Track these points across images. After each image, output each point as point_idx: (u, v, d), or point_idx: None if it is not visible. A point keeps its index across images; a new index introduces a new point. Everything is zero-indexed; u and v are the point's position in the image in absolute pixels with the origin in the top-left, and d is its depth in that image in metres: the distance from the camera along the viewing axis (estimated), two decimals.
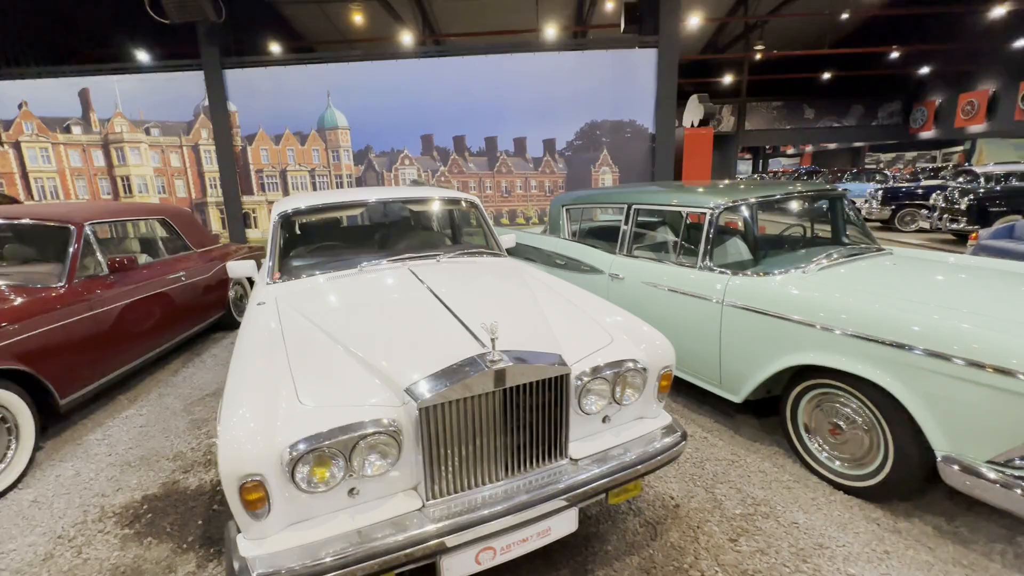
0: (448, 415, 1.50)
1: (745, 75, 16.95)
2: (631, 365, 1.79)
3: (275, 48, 10.87)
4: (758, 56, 15.58)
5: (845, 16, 13.94)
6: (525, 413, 1.62)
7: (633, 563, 1.90)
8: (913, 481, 2.02)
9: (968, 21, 13.05)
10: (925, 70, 16.02)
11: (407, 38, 12.48)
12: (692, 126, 6.49)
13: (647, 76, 5.87)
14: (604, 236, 4.03)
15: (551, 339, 1.79)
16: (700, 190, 3.11)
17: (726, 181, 3.75)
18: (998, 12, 11.35)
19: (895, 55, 15.76)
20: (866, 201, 11.97)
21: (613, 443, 1.80)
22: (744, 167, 31.15)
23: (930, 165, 17.86)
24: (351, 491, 1.46)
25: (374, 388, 1.55)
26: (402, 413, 1.48)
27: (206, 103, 6.20)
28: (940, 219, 9.32)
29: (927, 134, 16.37)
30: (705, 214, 2.85)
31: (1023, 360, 1.64)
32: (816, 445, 2.39)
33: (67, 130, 6.35)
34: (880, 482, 2.11)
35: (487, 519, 1.49)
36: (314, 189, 6.37)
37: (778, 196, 3.01)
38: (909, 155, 25.93)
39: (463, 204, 3.30)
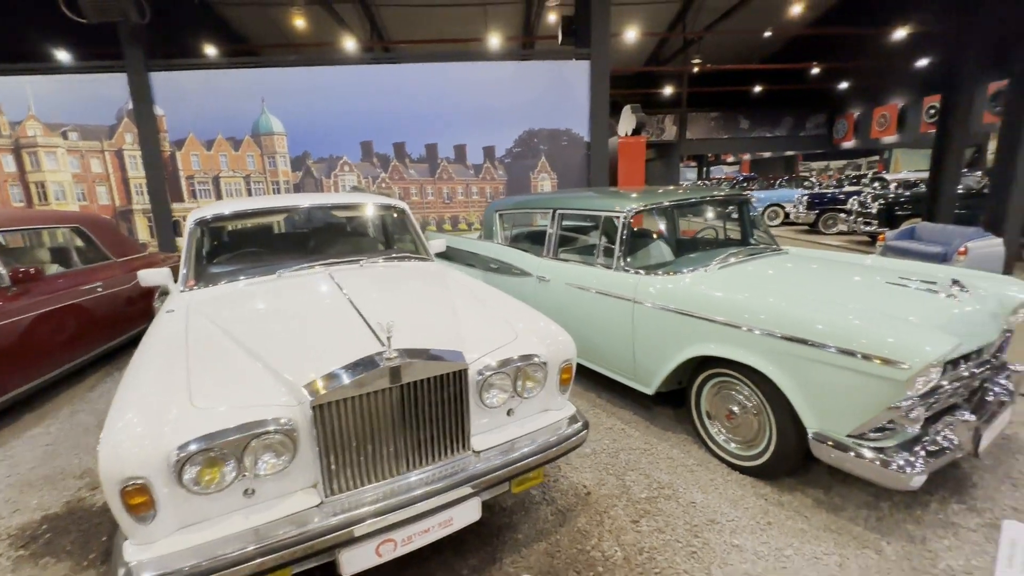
0: (344, 413, 1.55)
1: (685, 87, 17.76)
2: (531, 360, 1.89)
3: (210, 50, 10.50)
4: (696, 69, 16.38)
5: (768, 34, 14.92)
6: (426, 408, 1.69)
7: (540, 548, 2.00)
8: (793, 458, 2.23)
9: (879, 41, 14.26)
10: (844, 85, 17.35)
11: (350, 43, 12.35)
12: (626, 135, 6.79)
13: (582, 87, 6.11)
14: (536, 240, 4.17)
15: (454, 337, 1.87)
16: (616, 196, 3.28)
17: (645, 187, 3.98)
18: (901, 34, 12.48)
19: (818, 71, 16.97)
20: (794, 206, 12.82)
21: (517, 434, 1.89)
22: (691, 174, 32.66)
23: (855, 173, 19.30)
24: (247, 491, 1.48)
25: (272, 389, 1.57)
26: (298, 412, 1.51)
27: (130, 106, 5.93)
28: (855, 222, 10.11)
29: (848, 144, 17.71)
30: (618, 218, 3.02)
31: (875, 345, 1.86)
32: (716, 430, 2.58)
33: None
34: (767, 460, 2.31)
35: (383, 512, 1.54)
36: (249, 196, 6.21)
37: (684, 201, 3.23)
38: (837, 163, 27.91)
39: (390, 210, 3.34)
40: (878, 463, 1.88)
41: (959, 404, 2.21)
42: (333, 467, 1.55)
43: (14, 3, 6.89)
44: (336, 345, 1.70)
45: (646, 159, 22.19)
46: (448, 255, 4.85)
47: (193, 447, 1.37)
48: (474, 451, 1.80)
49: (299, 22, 10.74)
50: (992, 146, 8.36)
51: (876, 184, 11.79)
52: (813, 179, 15.67)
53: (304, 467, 1.54)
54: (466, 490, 1.70)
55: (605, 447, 2.74)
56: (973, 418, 1.99)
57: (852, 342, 1.90)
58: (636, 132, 6.65)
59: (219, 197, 6.25)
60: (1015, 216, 6.61)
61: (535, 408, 2.01)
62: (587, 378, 3.60)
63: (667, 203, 3.16)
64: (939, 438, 1.99)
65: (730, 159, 28.71)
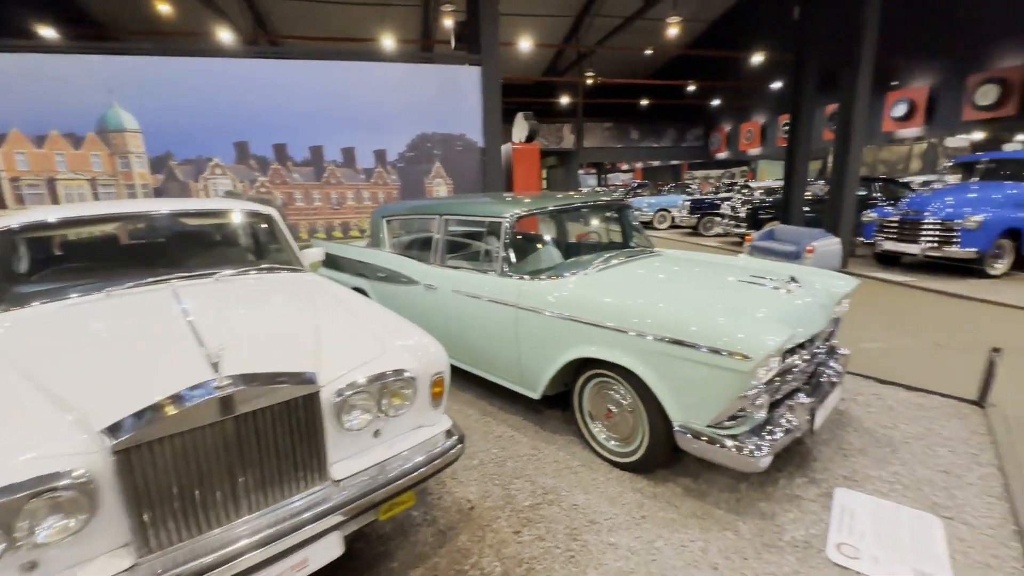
0: (161, 455, 1.32)
1: (580, 98, 18.68)
2: (398, 375, 1.78)
3: (47, 32, 9.02)
4: (589, 81, 17.29)
5: (650, 53, 16.19)
6: (271, 439, 1.50)
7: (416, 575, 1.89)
8: (664, 451, 2.34)
9: (743, 64, 16.09)
10: (717, 102, 19.35)
11: (226, 36, 11.30)
12: (521, 142, 6.91)
13: (475, 93, 6.10)
14: (426, 247, 4.04)
15: (309, 356, 1.70)
16: (500, 201, 3.28)
17: (536, 193, 4.04)
18: (758, 59, 14.17)
19: (695, 88, 18.76)
20: (679, 211, 13.97)
21: (385, 456, 1.77)
22: (593, 181, 34.52)
23: (729, 181, 21.55)
24: (25, 566, 1.20)
25: (64, 433, 1.30)
26: (98, 460, 1.26)
27: None
28: (728, 225, 11.24)
29: (722, 155, 19.78)
30: (501, 223, 3.00)
31: (728, 341, 1.99)
32: (598, 429, 2.65)
33: None
34: (642, 455, 2.40)
35: (218, 564, 1.34)
36: (96, 200, 5.36)
37: (566, 206, 3.31)
38: (716, 172, 31.04)
39: (257, 217, 3.04)
40: (732, 449, 2.03)
41: (799, 388, 2.47)
42: (148, 522, 1.31)
43: None
44: (155, 375, 1.46)
45: (549, 166, 23.03)
46: (335, 264, 4.57)
47: None
48: (334, 480, 1.64)
49: (164, 7, 9.61)
50: (832, 159, 9.76)
51: (745, 191, 13.24)
52: (694, 186, 17.21)
53: (109, 525, 1.29)
54: (324, 525, 1.54)
55: (492, 456, 2.69)
56: (808, 400, 2.23)
57: (715, 340, 2.02)
58: (529, 139, 6.78)
59: (56, 203, 5.32)
60: (847, 219, 7.72)
61: (406, 426, 1.90)
62: (479, 386, 3.55)
63: (548, 208, 3.21)
64: (782, 421, 2.20)
65: (624, 167, 30.64)
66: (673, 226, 15.09)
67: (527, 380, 2.86)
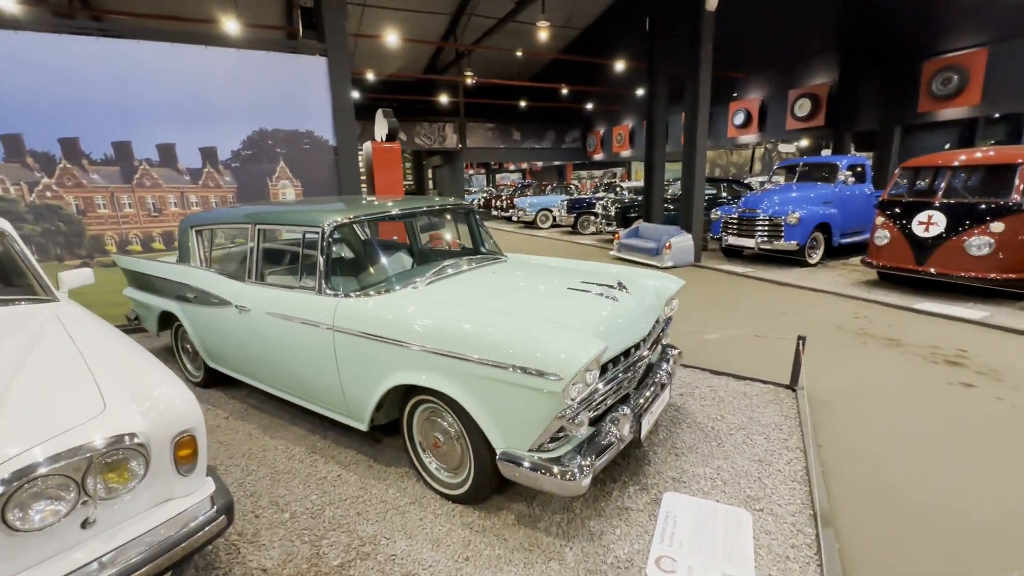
0: None
1: (462, 97, 18.51)
2: (112, 445, 1.35)
3: None
4: (469, 81, 17.16)
5: (521, 55, 16.54)
6: None
7: None
8: (492, 480, 2.15)
9: (611, 71, 17.08)
10: (590, 106, 20.38)
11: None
12: (381, 140, 6.47)
13: (323, 85, 5.55)
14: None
15: None
16: (321, 207, 2.89)
17: (374, 197, 3.68)
18: (620, 67, 15.11)
19: (569, 92, 19.56)
20: (559, 210, 14.40)
21: (96, 555, 1.33)
22: (482, 180, 34.64)
23: (607, 180, 22.86)
24: None
25: None
26: None
27: None
28: (600, 223, 11.79)
29: (598, 156, 20.89)
30: (320, 232, 2.62)
31: (538, 360, 1.84)
32: (429, 460, 2.40)
33: None
34: (470, 487, 2.20)
35: None
36: None
37: (399, 213, 3.02)
38: (598, 172, 32.84)
39: None
40: (553, 475, 1.89)
41: (628, 395, 2.44)
42: None
43: None
44: None
45: (435, 166, 22.58)
46: (143, 284, 3.83)
47: None
48: None
49: None
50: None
51: (616, 191, 14.02)
52: (574, 185, 17.93)
53: None
54: None
55: (309, 506, 2.32)
56: (629, 411, 2.18)
57: (524, 359, 1.86)
58: (390, 137, 6.37)
59: None
60: (698, 217, 8.42)
61: (141, 505, 1.47)
62: (312, 418, 3.13)
63: (376, 214, 2.89)
64: (609, 435, 2.12)
65: (511, 167, 31.19)
66: (555, 225, 15.54)
67: (353, 411, 2.53)
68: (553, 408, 1.86)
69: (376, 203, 3.03)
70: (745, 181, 12.75)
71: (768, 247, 7.87)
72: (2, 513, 1.20)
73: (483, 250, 3.58)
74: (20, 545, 1.25)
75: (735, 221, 8.36)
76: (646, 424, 2.33)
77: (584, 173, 33.05)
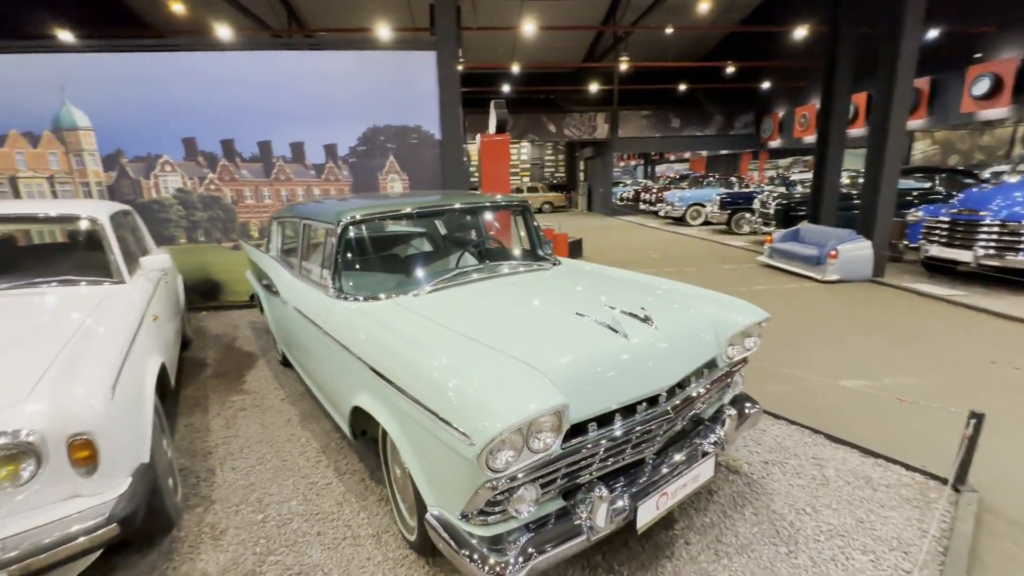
0: None
1: (616, 84, 17.59)
2: None
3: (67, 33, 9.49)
4: (624, 66, 16.19)
5: (691, 34, 14.86)
6: None
7: None
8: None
9: (796, 41, 14.38)
10: (767, 85, 17.52)
11: (224, 30, 11.48)
12: (491, 133, 6.35)
13: (431, 80, 5.62)
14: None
15: None
16: (347, 203, 2.81)
17: (393, 193, 3.53)
18: (802, 34, 12.54)
19: (744, 70, 17.07)
20: (712, 206, 12.74)
21: None
22: (637, 173, 32.85)
23: (782, 173, 19.57)
24: None
25: None
26: None
27: None
28: (756, 222, 10.03)
29: (774, 143, 17.91)
30: (333, 230, 2.53)
31: (459, 415, 1.42)
32: (398, 492, 2.13)
33: None
34: (418, 535, 1.88)
35: None
36: (54, 198, 5.47)
37: (429, 209, 2.78)
38: (785, 161, 28.27)
39: (72, 222, 2.77)
40: (474, 559, 1.46)
41: (641, 464, 1.82)
42: None
43: None
44: None
45: (586, 157, 22.06)
46: (252, 266, 4.29)
47: None
48: None
49: (177, 7, 9.88)
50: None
51: (787, 184, 11.80)
52: (738, 178, 15.70)
53: None
54: None
55: (284, 513, 2.25)
56: (607, 493, 1.59)
57: (449, 410, 1.46)
58: (500, 129, 6.21)
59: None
60: (883, 219, 6.50)
61: (50, 495, 1.50)
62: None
63: (398, 211, 2.70)
64: (577, 519, 1.58)
65: (672, 157, 28.89)
66: (706, 223, 13.84)
67: (340, 417, 2.39)
68: (473, 476, 1.42)
69: (401, 201, 2.84)
70: (982, 173, 9.52)
71: (995, 263, 5.71)
72: None
73: (540, 252, 3.16)
74: None
75: (945, 225, 6.24)
76: (648, 511, 1.70)
77: (783, 161, 28.72)
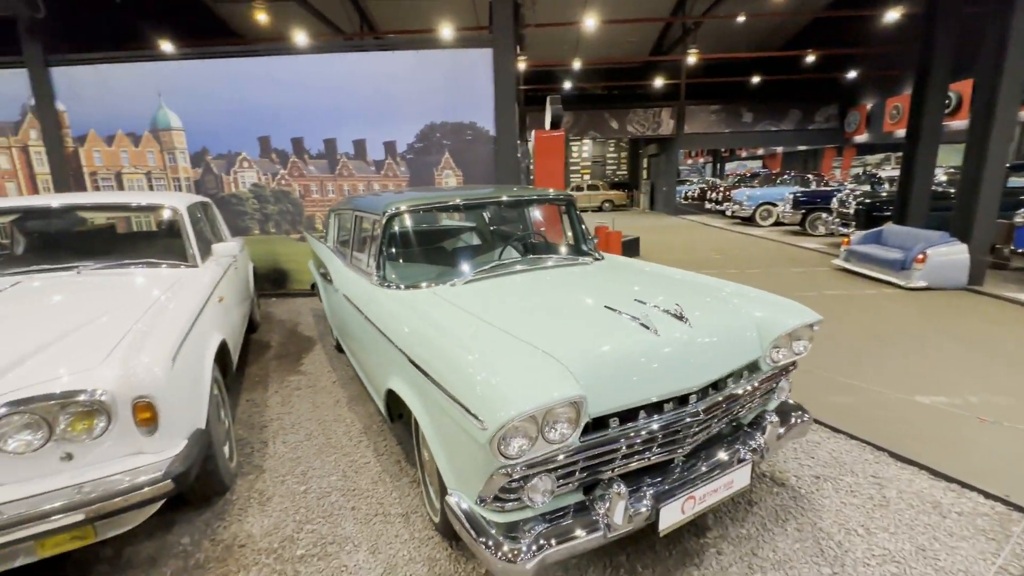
0: None
1: (683, 78, 16.91)
2: (69, 396, 1.57)
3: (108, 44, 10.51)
4: (693, 59, 15.53)
5: (768, 22, 13.99)
6: None
7: None
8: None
9: (887, 26, 13.13)
10: (854, 74, 16.10)
11: (300, 36, 12.17)
12: (547, 129, 6.33)
13: (489, 77, 5.68)
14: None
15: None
16: (394, 196, 2.91)
17: (455, 187, 3.58)
18: (896, 16, 11.39)
19: (826, 59, 15.81)
20: (784, 205, 11.94)
21: (63, 483, 1.58)
22: (705, 171, 31.36)
23: (868, 170, 17.93)
24: None
25: None
26: None
27: (32, 102, 5.91)
28: (833, 223, 9.28)
29: (861, 138, 16.44)
30: (377, 220, 2.65)
31: (475, 399, 1.44)
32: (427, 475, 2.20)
33: None
34: (441, 518, 1.92)
35: None
36: (150, 191, 6.11)
37: (471, 201, 2.83)
38: (875, 158, 25.87)
39: (155, 212, 3.08)
40: (488, 544, 1.48)
41: (669, 465, 1.76)
42: None
43: None
44: None
45: (650, 155, 21.40)
46: (313, 256, 4.56)
47: None
48: None
49: (261, 16, 10.66)
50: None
51: (873, 182, 10.81)
52: (815, 176, 14.58)
53: None
54: None
55: (325, 487, 2.39)
56: (625, 490, 1.55)
57: (466, 394, 1.49)
58: (554, 125, 6.17)
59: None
60: (985, 220, 5.80)
61: (118, 450, 1.69)
62: None
63: (440, 203, 2.77)
64: (594, 515, 1.56)
65: (744, 154, 27.33)
66: (777, 223, 12.99)
67: (378, 399, 2.50)
68: (488, 461, 1.44)
69: (446, 194, 2.91)
70: None
71: None
72: None
73: (584, 248, 3.12)
74: (11, 463, 1.55)
75: None
76: (672, 514, 1.63)
77: (873, 158, 26.37)
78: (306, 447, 2.75)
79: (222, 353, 2.52)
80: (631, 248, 8.54)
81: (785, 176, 15.11)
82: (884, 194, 9.18)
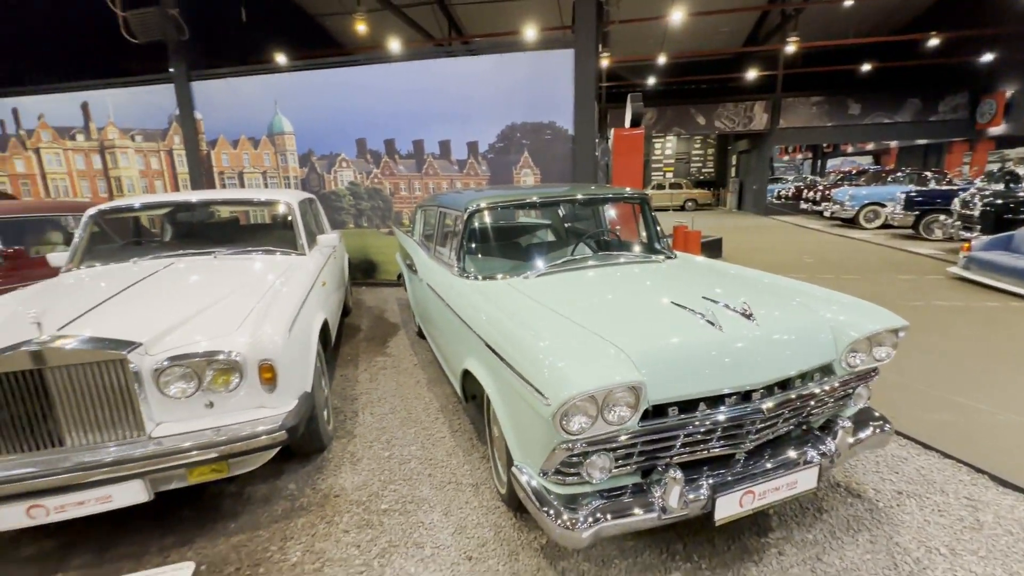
0: None
1: (780, 69, 15.80)
2: (214, 356, 1.93)
3: (287, 55, 11.70)
4: (792, 48, 14.44)
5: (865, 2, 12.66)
6: (89, 390, 1.82)
7: (232, 541, 2.05)
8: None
9: None
10: (989, 57, 14.07)
11: (395, 44, 12.91)
12: (627, 127, 6.29)
13: (569, 77, 5.78)
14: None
15: (158, 330, 1.98)
16: (475, 193, 3.13)
17: (528, 185, 3.71)
18: None
19: (956, 42, 13.99)
20: (894, 206, 10.81)
21: (209, 425, 1.95)
22: (804, 168, 28.88)
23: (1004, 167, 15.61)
24: None
25: None
26: None
27: (176, 112, 6.93)
28: (953, 226, 8.27)
29: (997, 130, 14.32)
30: (459, 216, 2.88)
31: (541, 377, 1.59)
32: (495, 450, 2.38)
33: (72, 138, 7.37)
34: (507, 490, 2.09)
35: (24, 478, 1.72)
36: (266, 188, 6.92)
37: (535, 200, 2.97)
38: (1015, 151, 22.40)
39: (272, 206, 3.55)
40: (549, 512, 1.62)
41: (731, 459, 1.80)
42: None
43: (90, 31, 8.15)
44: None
45: (740, 151, 20.23)
46: (400, 249, 4.96)
47: None
48: (150, 436, 1.90)
49: (361, 27, 11.55)
50: None
51: (1009, 180, 9.46)
52: (936, 174, 12.98)
53: None
54: (124, 470, 1.81)
55: (405, 455, 2.66)
56: (680, 475, 1.61)
57: (533, 372, 1.64)
58: (635, 124, 6.12)
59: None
60: None
61: (247, 403, 2.05)
62: None
63: (517, 200, 2.94)
64: (651, 497, 1.64)
65: (850, 149, 24.89)
66: (885, 225, 11.78)
67: (456, 382, 2.73)
68: (550, 435, 1.58)
69: (524, 192, 3.07)
70: None
71: None
72: (158, 383, 1.90)
73: (658, 245, 3.16)
74: (169, 405, 1.95)
75: None
76: (729, 506, 1.67)
77: (1015, 151, 22.99)
78: (390, 419, 3.06)
79: (323, 330, 2.88)
80: (713, 249, 8.22)
81: (899, 174, 13.63)
82: (1022, 194, 8.02)
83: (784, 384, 1.83)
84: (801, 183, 17.95)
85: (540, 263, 2.71)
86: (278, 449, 2.08)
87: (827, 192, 13.98)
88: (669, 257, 2.94)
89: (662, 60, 15.12)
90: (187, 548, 2.01)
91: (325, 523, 2.14)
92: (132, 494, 1.86)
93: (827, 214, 13.56)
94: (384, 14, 13.24)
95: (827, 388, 1.88)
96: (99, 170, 7.43)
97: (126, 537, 2.08)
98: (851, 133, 16.92)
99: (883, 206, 11.85)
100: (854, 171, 18.63)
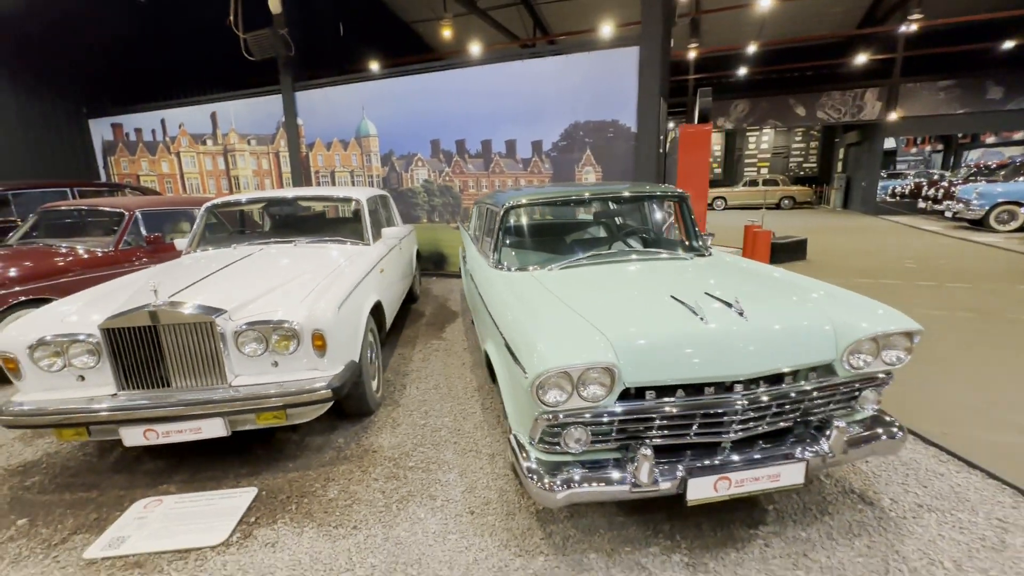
0: (125, 338, 2.31)
1: (900, 51, 14.08)
2: (279, 324, 2.38)
3: (379, 63, 12.70)
4: (914, 27, 12.84)
5: None
6: (188, 346, 2.35)
7: (288, 476, 2.49)
8: None
9: None
10: None
11: (476, 47, 13.37)
12: (695, 122, 6.14)
13: (633, 75, 5.79)
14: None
15: (240, 301, 2.48)
16: (518, 191, 3.37)
17: (579, 182, 3.83)
18: None
19: None
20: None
21: (270, 380, 2.42)
22: (932, 161, 25.30)
23: None
24: (79, 377, 2.37)
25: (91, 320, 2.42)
26: (100, 334, 2.34)
27: (283, 119, 7.93)
28: None
29: None
30: (497, 212, 3.14)
31: (524, 351, 1.82)
32: None
33: (203, 143, 8.71)
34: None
35: (146, 407, 2.28)
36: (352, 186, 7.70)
37: (572, 198, 3.14)
38: None
39: (346, 202, 4.06)
40: (530, 473, 1.83)
41: (714, 447, 1.89)
42: (120, 372, 2.34)
43: (219, 53, 9.29)
44: (141, 297, 2.45)
45: (848, 144, 18.34)
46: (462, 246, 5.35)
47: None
48: (230, 385, 2.39)
49: (446, 31, 12.22)
50: None
51: None
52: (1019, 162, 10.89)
53: (106, 368, 2.36)
54: (210, 409, 2.31)
55: (437, 425, 2.99)
56: (650, 453, 1.73)
57: (519, 347, 1.87)
58: (703, 119, 5.96)
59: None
60: None
61: (303, 365, 2.49)
62: None
63: (542, 199, 3.14)
64: (627, 471, 1.80)
65: (991, 139, 21.41)
66: (1022, 228, 10.16)
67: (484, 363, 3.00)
68: (530, 405, 1.79)
69: (563, 190, 3.25)
70: None
71: None
72: (237, 343, 2.38)
73: (696, 244, 3.20)
74: (245, 361, 2.43)
75: None
76: (702, 488, 1.77)
77: None
78: (432, 394, 3.42)
79: (377, 310, 3.30)
80: (791, 251, 7.70)
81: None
82: None
83: (775, 379, 1.87)
84: (922, 179, 15.87)
85: (564, 257, 2.88)
86: (328, 406, 2.49)
87: (951, 190, 12.30)
88: (700, 255, 2.97)
89: (754, 48, 14.18)
90: (254, 478, 2.50)
91: (361, 471, 2.52)
92: (215, 428, 2.36)
93: (949, 214, 11.95)
94: (470, 17, 13.87)
95: (823, 387, 1.88)
96: (223, 170, 8.70)
97: (214, 465, 2.62)
98: (989, 121, 14.65)
99: (1021, 206, 10.23)
100: (996, 165, 16.03)
